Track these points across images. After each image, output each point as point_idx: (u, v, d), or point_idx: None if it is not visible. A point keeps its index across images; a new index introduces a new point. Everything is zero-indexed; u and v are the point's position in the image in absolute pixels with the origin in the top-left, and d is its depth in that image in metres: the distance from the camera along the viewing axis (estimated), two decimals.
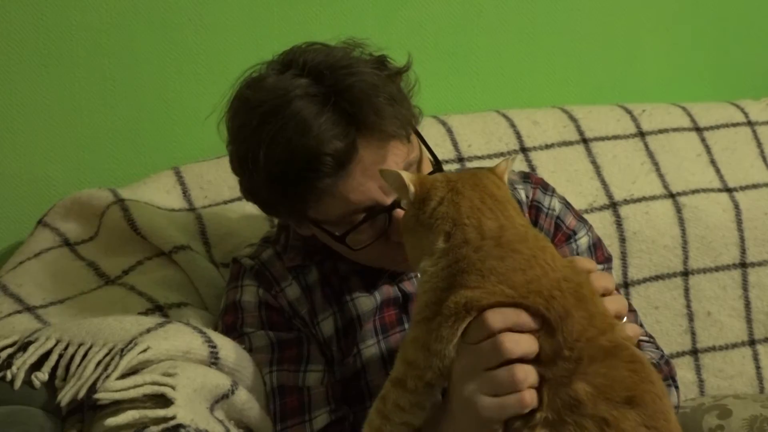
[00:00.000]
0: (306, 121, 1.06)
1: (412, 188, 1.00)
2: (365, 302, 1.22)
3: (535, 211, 1.30)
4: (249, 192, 1.19)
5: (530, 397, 0.88)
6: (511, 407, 0.89)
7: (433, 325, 0.92)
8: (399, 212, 1.11)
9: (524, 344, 0.89)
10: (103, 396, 1.02)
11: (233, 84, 1.16)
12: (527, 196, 1.31)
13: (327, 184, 1.08)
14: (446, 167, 1.54)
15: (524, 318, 0.90)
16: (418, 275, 1.01)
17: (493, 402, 0.90)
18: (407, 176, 1.00)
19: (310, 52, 1.13)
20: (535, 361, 0.90)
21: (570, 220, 1.32)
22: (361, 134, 1.08)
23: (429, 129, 1.63)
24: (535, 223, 1.30)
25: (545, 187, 1.33)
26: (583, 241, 1.31)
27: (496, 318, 0.89)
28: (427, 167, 1.18)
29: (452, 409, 0.95)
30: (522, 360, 0.89)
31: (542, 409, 0.88)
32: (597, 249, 1.33)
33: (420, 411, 0.95)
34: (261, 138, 1.08)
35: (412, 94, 1.18)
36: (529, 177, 1.35)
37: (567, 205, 1.34)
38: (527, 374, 0.89)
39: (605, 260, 1.34)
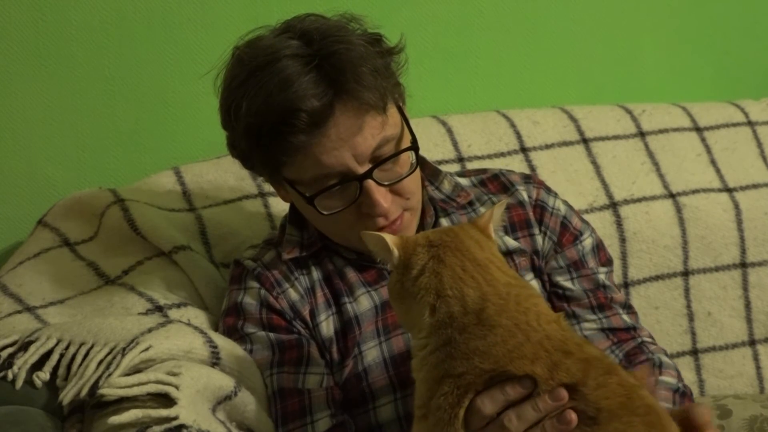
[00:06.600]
0: (288, 78, 1.10)
1: (396, 252, 0.98)
2: (363, 302, 1.22)
3: (540, 210, 1.32)
4: (231, 145, 1.21)
5: None
6: None
7: (430, 423, 0.92)
8: (371, 183, 1.13)
9: (527, 416, 0.90)
10: (107, 392, 1.02)
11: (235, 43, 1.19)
12: (530, 196, 1.33)
13: (300, 141, 1.11)
14: (446, 167, 1.54)
15: (511, 391, 0.90)
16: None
17: None
18: (391, 239, 0.99)
19: (307, 20, 1.17)
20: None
21: (576, 221, 1.34)
22: (339, 98, 1.11)
23: (429, 129, 1.62)
24: (540, 221, 1.31)
25: (548, 189, 1.36)
26: (588, 242, 1.33)
27: (486, 404, 0.91)
28: (406, 145, 1.19)
29: None
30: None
31: None
32: (600, 251, 1.34)
33: None
34: (246, 90, 1.12)
35: (400, 73, 1.20)
36: (530, 178, 1.37)
37: (570, 207, 1.36)
38: None
39: (607, 262, 1.35)
